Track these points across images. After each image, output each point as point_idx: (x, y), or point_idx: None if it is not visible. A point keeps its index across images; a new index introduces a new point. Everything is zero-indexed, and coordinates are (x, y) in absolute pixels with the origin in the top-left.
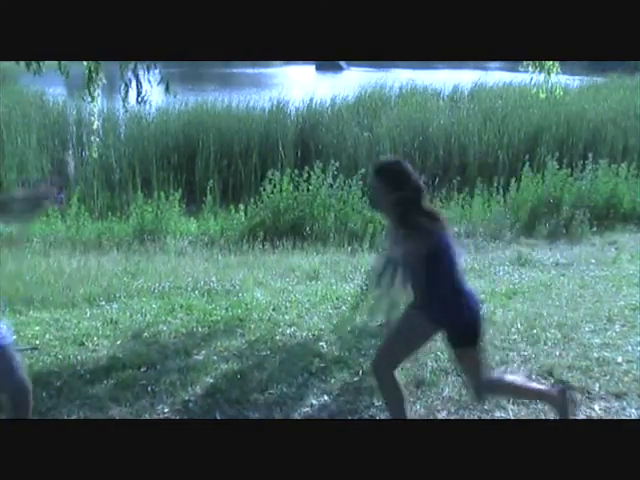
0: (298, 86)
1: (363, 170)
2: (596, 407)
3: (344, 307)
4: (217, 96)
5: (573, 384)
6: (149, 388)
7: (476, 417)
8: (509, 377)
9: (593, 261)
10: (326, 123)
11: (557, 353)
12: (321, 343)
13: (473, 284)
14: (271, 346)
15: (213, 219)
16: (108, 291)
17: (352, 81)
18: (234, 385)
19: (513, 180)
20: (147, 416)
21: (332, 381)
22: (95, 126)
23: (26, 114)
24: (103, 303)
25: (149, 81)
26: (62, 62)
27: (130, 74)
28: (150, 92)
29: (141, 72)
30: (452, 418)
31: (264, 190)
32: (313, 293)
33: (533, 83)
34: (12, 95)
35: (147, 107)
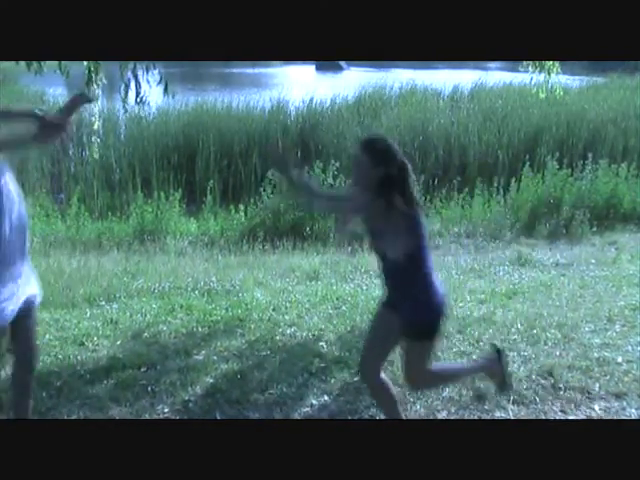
0: (298, 86)
1: None
2: (596, 407)
3: (344, 307)
4: (217, 96)
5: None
6: (149, 388)
7: (476, 417)
8: (442, 366)
9: (593, 261)
10: (326, 123)
11: (557, 353)
12: (321, 343)
13: (473, 284)
14: (271, 346)
15: (213, 219)
16: (108, 291)
17: (352, 81)
18: (234, 385)
19: (513, 180)
20: (147, 416)
21: (332, 381)
22: (96, 126)
23: None
24: (103, 303)
25: (148, 81)
26: (62, 62)
27: (129, 74)
28: (149, 92)
29: (140, 72)
30: (452, 418)
31: (264, 190)
32: (313, 293)
33: (533, 83)
34: (12, 95)
35: (147, 107)
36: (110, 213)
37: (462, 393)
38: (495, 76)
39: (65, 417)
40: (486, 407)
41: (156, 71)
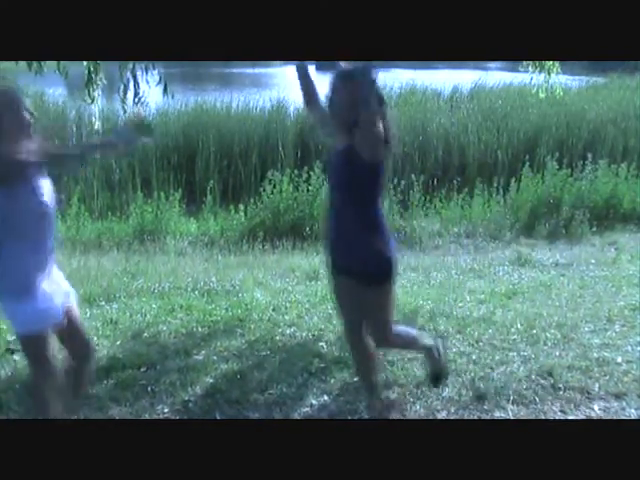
0: (298, 86)
1: None
2: (596, 407)
3: None
4: (217, 96)
5: (573, 384)
6: (149, 388)
7: (476, 417)
8: (406, 330)
9: (593, 261)
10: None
11: (557, 353)
12: (321, 343)
13: (473, 284)
14: (271, 346)
15: (213, 219)
16: (108, 291)
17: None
18: (234, 385)
19: (513, 180)
20: (147, 416)
21: (332, 381)
22: (96, 126)
23: None
24: (103, 303)
25: (147, 82)
26: (61, 62)
27: (128, 75)
28: (149, 93)
29: (139, 73)
30: (452, 418)
31: (264, 190)
32: (313, 293)
33: (533, 83)
34: None
35: (146, 107)
36: (110, 213)
37: (462, 393)
38: (495, 76)
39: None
40: (486, 407)
41: (155, 71)
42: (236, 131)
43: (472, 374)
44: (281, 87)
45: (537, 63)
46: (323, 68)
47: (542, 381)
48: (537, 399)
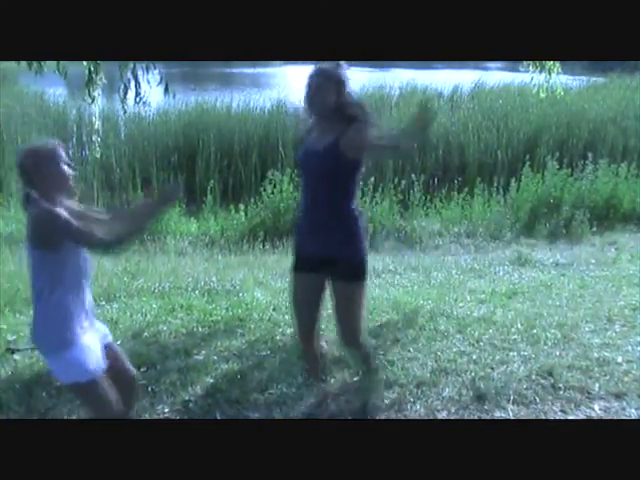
0: (298, 86)
1: (363, 170)
2: (596, 407)
3: None
4: (217, 96)
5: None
6: (149, 388)
7: (476, 417)
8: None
9: (593, 261)
10: None
11: (557, 353)
12: (321, 343)
13: (473, 284)
14: (271, 346)
15: (213, 219)
16: (108, 291)
17: (352, 81)
18: (234, 385)
19: (513, 180)
20: (147, 416)
21: (332, 381)
22: (96, 126)
23: (26, 114)
24: (103, 303)
25: (148, 81)
26: (60, 62)
27: (129, 74)
28: (149, 93)
29: (140, 72)
30: (452, 418)
31: (264, 190)
32: None
33: (534, 83)
34: (12, 95)
35: (147, 107)
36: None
37: (462, 393)
38: (495, 76)
39: (65, 417)
40: (486, 407)
41: (156, 71)
42: (236, 131)
43: (472, 374)
44: (281, 87)
45: (537, 63)
46: None
47: (542, 381)
48: (537, 399)
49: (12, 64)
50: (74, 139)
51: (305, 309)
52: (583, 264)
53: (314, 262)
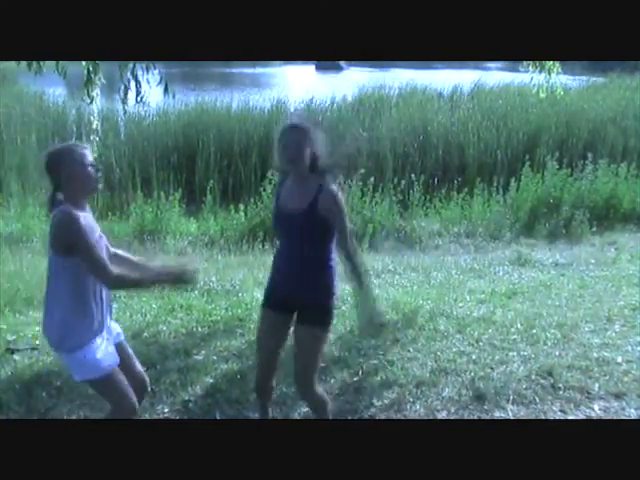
0: (298, 86)
1: (363, 170)
2: (596, 407)
3: (344, 307)
4: (217, 96)
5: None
6: (149, 388)
7: (476, 417)
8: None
9: (593, 261)
10: (326, 123)
11: (557, 353)
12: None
13: (473, 284)
14: None
15: (213, 219)
16: None
17: (352, 81)
18: (234, 385)
19: (513, 180)
20: (147, 416)
21: (332, 381)
22: (95, 125)
23: (26, 114)
24: None
25: (148, 81)
26: (60, 62)
27: (129, 75)
28: (149, 93)
29: (140, 72)
30: (452, 418)
31: (264, 190)
32: None
33: (533, 83)
34: (12, 95)
35: (147, 107)
36: (110, 213)
37: (462, 393)
38: (495, 76)
39: (65, 417)
40: (486, 407)
41: (156, 71)
42: (236, 131)
43: (472, 374)
44: (281, 87)
45: (537, 63)
46: (323, 68)
47: (542, 381)
48: (537, 399)
49: (12, 64)
50: (73, 139)
51: (271, 345)
52: (583, 264)
53: (286, 305)
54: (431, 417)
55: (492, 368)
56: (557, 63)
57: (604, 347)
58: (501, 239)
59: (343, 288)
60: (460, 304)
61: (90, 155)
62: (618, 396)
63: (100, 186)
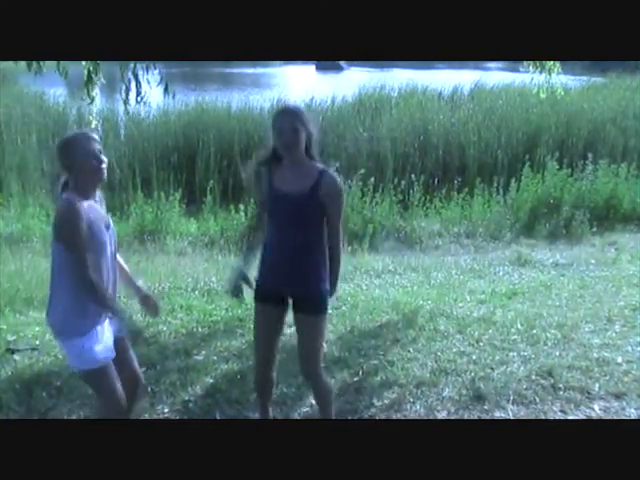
0: (298, 86)
1: (363, 170)
2: (596, 407)
3: (344, 307)
4: (217, 96)
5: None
6: (149, 388)
7: (476, 417)
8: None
9: (593, 261)
10: (326, 123)
11: (557, 353)
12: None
13: (473, 284)
14: None
15: (213, 219)
16: None
17: (352, 81)
18: (234, 385)
19: (513, 180)
20: (147, 416)
21: (332, 381)
22: (93, 125)
23: (26, 114)
24: None
25: (148, 81)
26: (61, 62)
27: (130, 75)
28: (150, 92)
29: (140, 72)
30: (452, 418)
31: None
32: None
33: (534, 83)
34: (12, 95)
35: (147, 107)
36: (110, 213)
37: (462, 393)
38: (495, 76)
39: (65, 417)
40: (486, 407)
41: (156, 71)
42: (236, 131)
43: (472, 374)
44: (281, 87)
45: (538, 63)
46: (323, 68)
47: (542, 381)
48: (537, 399)
49: (12, 64)
50: None
51: (268, 337)
52: (583, 264)
53: (279, 297)
54: (431, 417)
55: (492, 368)
56: (557, 63)
57: (604, 347)
58: (501, 239)
59: (343, 288)
60: (460, 304)
61: (99, 144)
62: (618, 396)
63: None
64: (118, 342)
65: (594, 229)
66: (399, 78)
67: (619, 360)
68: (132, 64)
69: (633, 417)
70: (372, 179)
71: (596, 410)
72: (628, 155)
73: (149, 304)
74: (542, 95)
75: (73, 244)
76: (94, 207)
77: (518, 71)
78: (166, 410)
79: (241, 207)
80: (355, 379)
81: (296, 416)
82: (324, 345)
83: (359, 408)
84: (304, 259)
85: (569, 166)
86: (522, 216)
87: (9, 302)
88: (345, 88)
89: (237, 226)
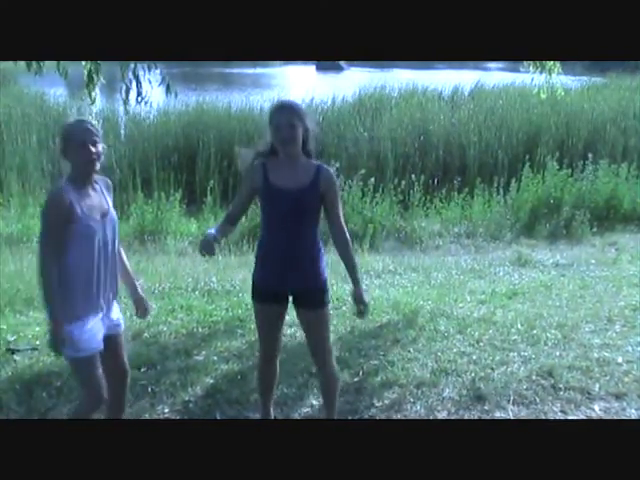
0: (298, 86)
1: (363, 170)
2: (596, 407)
3: (344, 307)
4: (217, 96)
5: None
6: (149, 388)
7: (476, 417)
8: None
9: (593, 262)
10: (326, 123)
11: (557, 353)
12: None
13: (473, 284)
14: None
15: (213, 219)
16: None
17: (352, 81)
18: (234, 385)
19: (513, 180)
20: (147, 416)
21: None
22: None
23: (26, 114)
24: None
25: (149, 81)
26: (60, 62)
27: (130, 75)
28: (151, 92)
29: (141, 72)
30: (452, 418)
31: None
32: None
33: (534, 84)
34: (12, 95)
35: (147, 107)
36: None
37: (462, 393)
38: (495, 76)
39: (65, 417)
40: (486, 407)
41: (157, 71)
42: (236, 131)
43: (472, 374)
44: (281, 87)
45: (538, 63)
46: (323, 68)
47: (542, 381)
48: (537, 399)
49: (12, 64)
50: None
51: (271, 335)
52: (583, 264)
53: (279, 294)
54: (431, 417)
55: (492, 368)
56: (557, 63)
57: (605, 347)
58: (501, 239)
59: (343, 288)
60: (460, 304)
61: (95, 133)
62: (618, 396)
63: (98, 165)
64: (111, 338)
65: (594, 229)
66: (399, 78)
67: (619, 360)
68: (133, 64)
69: (633, 417)
70: (372, 179)
71: (596, 410)
72: (628, 155)
73: (140, 306)
74: (542, 95)
75: (42, 229)
76: (89, 195)
77: (518, 71)
78: (166, 410)
79: None
80: (355, 379)
81: (296, 416)
82: (330, 330)
83: (359, 408)
84: (304, 254)
85: (569, 166)
86: (522, 216)
87: (9, 302)
88: (345, 88)
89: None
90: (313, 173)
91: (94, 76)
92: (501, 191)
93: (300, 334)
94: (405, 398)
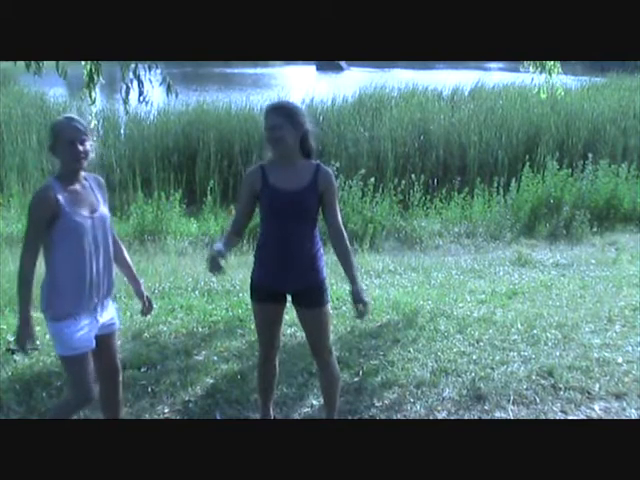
0: (298, 86)
1: (363, 170)
2: (596, 407)
3: (344, 307)
4: (217, 96)
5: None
6: (149, 388)
7: (476, 417)
8: None
9: (593, 262)
10: (326, 123)
11: (557, 353)
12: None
13: (473, 284)
14: None
15: (213, 219)
16: None
17: (352, 81)
18: (234, 385)
19: (513, 180)
20: (147, 416)
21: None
22: (92, 125)
23: (26, 114)
24: None
25: (150, 81)
26: (60, 62)
27: (131, 75)
28: (151, 92)
29: (142, 72)
30: (452, 418)
31: None
32: None
33: (534, 84)
34: (12, 95)
35: (148, 107)
36: (110, 213)
37: (462, 393)
38: (495, 76)
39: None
40: (486, 407)
41: (158, 71)
42: (236, 131)
43: (472, 374)
44: (282, 87)
45: (538, 63)
46: (323, 68)
47: (542, 381)
48: (537, 399)
49: (12, 64)
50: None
51: (270, 334)
52: (583, 264)
53: (278, 294)
54: (431, 417)
55: (492, 368)
56: (557, 63)
57: (605, 347)
58: (501, 239)
59: (343, 288)
60: (460, 304)
61: (82, 131)
62: (619, 396)
63: (85, 163)
64: (104, 337)
65: (594, 229)
66: (399, 78)
67: (619, 360)
68: (133, 64)
69: (633, 417)
70: (372, 179)
71: (596, 410)
72: (628, 155)
73: (144, 304)
74: (542, 95)
75: (27, 225)
76: (77, 191)
77: (518, 71)
78: (166, 410)
79: None
80: (355, 379)
81: (296, 416)
82: (331, 328)
83: (359, 408)
84: (303, 253)
85: (569, 166)
86: (522, 216)
87: (9, 302)
88: (345, 88)
89: None
90: (312, 173)
91: (94, 76)
92: (501, 191)
93: (300, 334)
94: (405, 398)
